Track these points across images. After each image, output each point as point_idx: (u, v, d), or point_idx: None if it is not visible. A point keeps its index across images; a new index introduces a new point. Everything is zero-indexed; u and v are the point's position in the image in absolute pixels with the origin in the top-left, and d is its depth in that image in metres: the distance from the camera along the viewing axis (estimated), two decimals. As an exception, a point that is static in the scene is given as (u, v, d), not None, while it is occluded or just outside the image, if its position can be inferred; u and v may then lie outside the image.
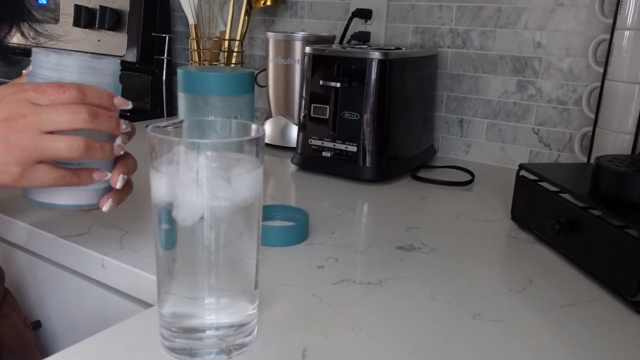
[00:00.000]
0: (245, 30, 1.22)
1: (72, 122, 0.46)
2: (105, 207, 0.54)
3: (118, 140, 0.52)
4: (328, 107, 0.94)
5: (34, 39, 0.64)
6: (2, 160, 0.46)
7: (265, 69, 1.17)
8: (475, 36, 1.07)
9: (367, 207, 0.83)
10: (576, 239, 0.63)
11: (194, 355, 0.44)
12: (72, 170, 0.50)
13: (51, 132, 0.47)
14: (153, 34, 1.37)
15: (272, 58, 1.13)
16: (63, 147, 0.47)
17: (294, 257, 0.64)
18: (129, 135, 0.53)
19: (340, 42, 1.16)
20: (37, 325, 0.74)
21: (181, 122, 0.47)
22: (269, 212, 0.72)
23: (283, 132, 1.14)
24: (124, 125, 0.51)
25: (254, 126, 0.45)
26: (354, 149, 0.93)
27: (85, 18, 1.44)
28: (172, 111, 1.35)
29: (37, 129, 0.46)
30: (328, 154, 0.95)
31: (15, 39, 0.62)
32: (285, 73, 1.12)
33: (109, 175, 0.52)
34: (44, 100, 0.47)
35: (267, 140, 1.15)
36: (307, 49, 0.97)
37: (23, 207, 0.74)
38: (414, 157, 1.02)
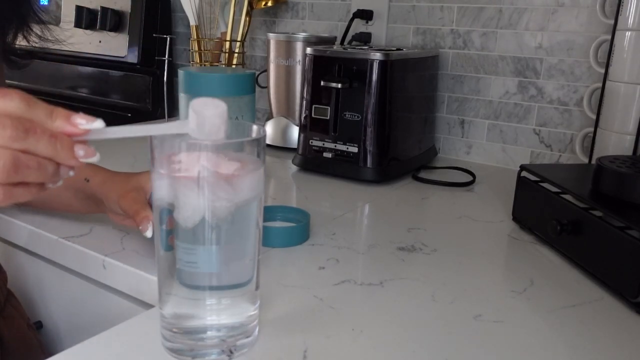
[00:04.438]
0: (246, 31, 1.22)
1: None
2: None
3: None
4: (329, 108, 0.94)
5: (36, 43, 0.62)
6: None
7: (266, 70, 1.17)
8: (476, 37, 1.07)
9: (368, 208, 0.83)
10: (577, 240, 0.63)
11: (195, 356, 0.44)
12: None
13: None
14: (154, 34, 1.37)
15: (273, 59, 1.13)
16: None
17: (295, 258, 0.64)
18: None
19: (342, 43, 1.16)
20: (38, 325, 0.74)
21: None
22: (270, 213, 0.72)
23: (284, 133, 1.14)
24: (81, 151, 0.37)
25: (255, 127, 0.45)
26: (355, 149, 0.93)
27: (86, 19, 1.44)
28: (173, 112, 1.36)
29: None
30: (329, 155, 0.95)
31: (19, 41, 0.62)
32: (286, 74, 1.12)
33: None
34: None
35: (268, 141, 1.15)
36: (308, 50, 0.97)
37: (24, 208, 0.74)
38: (415, 158, 1.02)
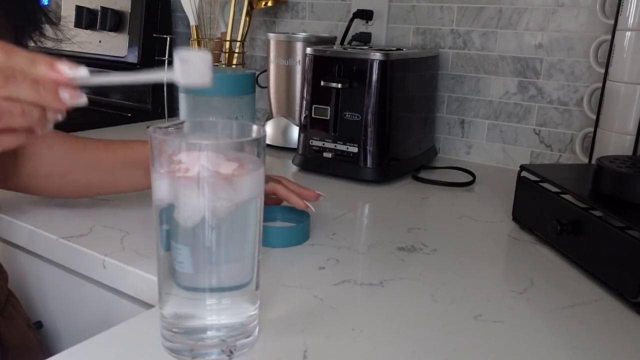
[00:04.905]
0: (246, 31, 1.22)
1: None
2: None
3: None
4: (329, 108, 0.94)
5: (42, 43, 0.61)
6: None
7: (266, 70, 1.17)
8: (476, 37, 1.07)
9: (368, 208, 0.83)
10: (577, 240, 0.63)
11: (195, 356, 0.44)
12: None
13: None
14: (154, 35, 1.37)
15: (273, 59, 1.13)
16: None
17: (295, 258, 0.64)
18: None
19: (342, 43, 1.16)
20: (38, 325, 0.74)
21: (182, 123, 0.47)
22: (270, 213, 0.72)
23: (284, 133, 1.14)
24: (66, 94, 0.37)
25: (255, 127, 0.45)
26: (355, 149, 0.93)
27: (86, 19, 1.44)
28: (174, 112, 1.35)
29: None
30: (329, 155, 0.95)
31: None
32: (287, 74, 1.12)
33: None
34: None
35: (268, 141, 1.15)
36: (308, 50, 0.97)
37: (24, 208, 0.74)
38: (415, 158, 1.02)
